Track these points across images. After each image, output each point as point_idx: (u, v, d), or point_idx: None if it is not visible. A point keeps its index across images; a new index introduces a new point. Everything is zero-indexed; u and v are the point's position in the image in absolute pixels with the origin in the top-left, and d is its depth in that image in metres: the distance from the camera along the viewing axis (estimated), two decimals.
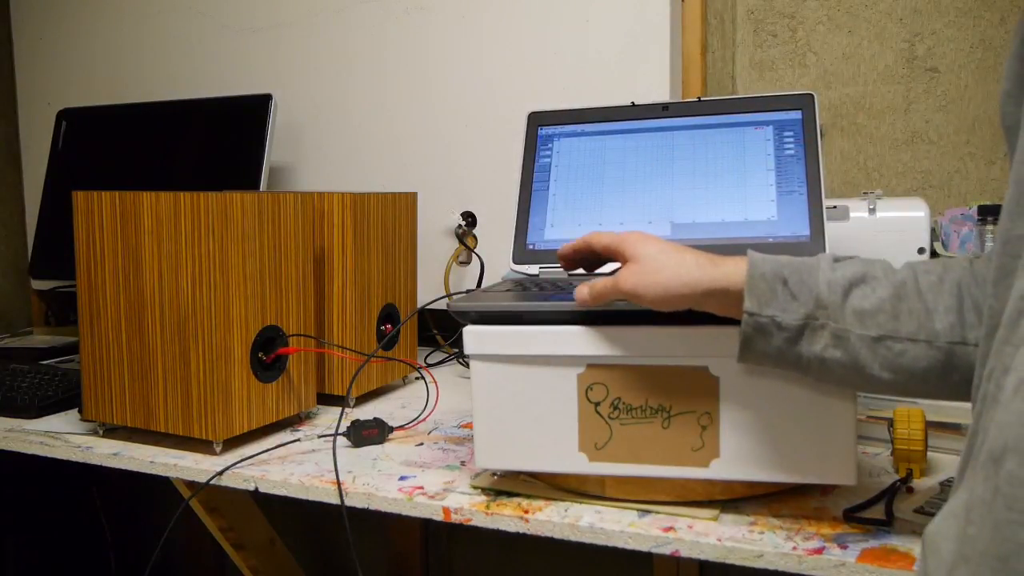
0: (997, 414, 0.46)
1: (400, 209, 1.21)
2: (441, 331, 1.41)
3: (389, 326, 1.19)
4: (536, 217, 0.98)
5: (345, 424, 0.96)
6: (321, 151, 1.54)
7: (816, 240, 0.86)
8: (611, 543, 0.72)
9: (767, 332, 0.64)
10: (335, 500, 0.83)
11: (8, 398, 1.11)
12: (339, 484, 0.83)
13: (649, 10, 1.27)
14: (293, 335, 1.01)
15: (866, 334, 0.62)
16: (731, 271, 0.66)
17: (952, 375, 0.62)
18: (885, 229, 1.05)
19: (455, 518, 0.77)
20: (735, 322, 0.70)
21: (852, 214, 1.06)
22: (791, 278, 0.64)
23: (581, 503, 0.76)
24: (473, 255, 1.41)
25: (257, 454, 0.92)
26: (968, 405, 0.84)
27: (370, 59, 1.48)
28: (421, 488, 0.82)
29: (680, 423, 0.73)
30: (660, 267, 0.67)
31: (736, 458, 0.72)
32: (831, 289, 0.63)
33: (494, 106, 1.39)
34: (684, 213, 0.92)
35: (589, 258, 0.78)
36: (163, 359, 0.94)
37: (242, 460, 0.90)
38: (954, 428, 0.86)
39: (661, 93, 1.27)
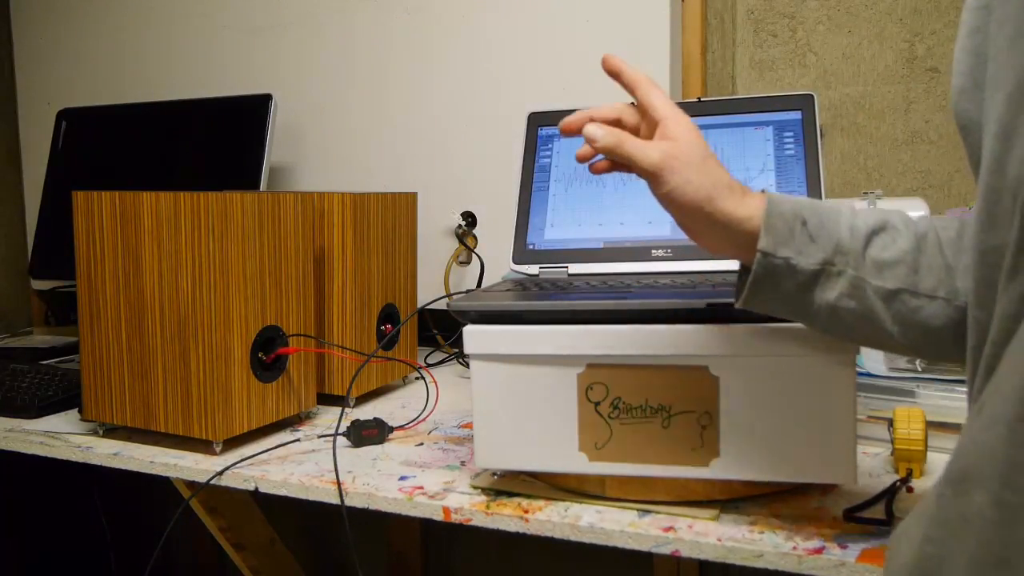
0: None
1: (400, 209, 1.21)
2: (441, 331, 1.41)
3: (389, 326, 1.19)
4: (536, 217, 0.98)
5: (345, 424, 0.96)
6: (321, 151, 1.54)
7: None
8: (611, 543, 0.72)
9: (779, 274, 0.60)
10: (335, 500, 0.83)
11: (8, 398, 1.10)
12: (339, 484, 0.83)
13: (649, 10, 1.27)
14: (293, 335, 1.01)
15: (883, 286, 0.59)
16: (752, 205, 0.60)
17: (967, 337, 0.57)
18: None
19: (455, 518, 0.77)
20: (735, 321, 0.70)
21: None
22: (811, 220, 0.60)
23: (581, 503, 0.76)
24: (473, 255, 1.41)
25: (257, 454, 0.92)
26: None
27: (370, 59, 1.48)
28: (421, 488, 0.82)
29: (680, 423, 0.73)
30: (700, 165, 0.60)
31: (736, 458, 0.72)
32: (853, 235, 0.59)
33: (494, 106, 1.39)
34: None
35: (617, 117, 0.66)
36: (163, 359, 0.94)
37: (242, 460, 0.90)
38: (954, 428, 0.85)
39: None
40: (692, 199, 0.60)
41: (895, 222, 0.61)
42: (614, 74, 0.66)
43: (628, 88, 0.66)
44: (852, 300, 0.59)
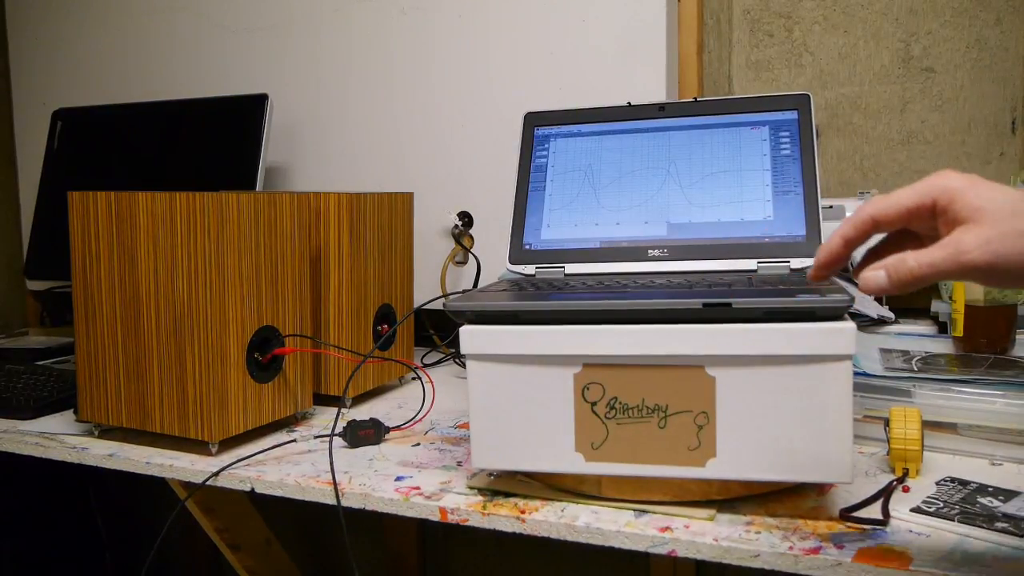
0: None
1: (396, 209, 1.21)
2: (437, 331, 1.41)
3: (385, 326, 1.19)
4: (532, 217, 0.98)
5: (341, 424, 0.96)
6: (317, 151, 1.54)
7: (812, 240, 0.86)
8: (608, 543, 0.72)
9: None
10: (331, 501, 0.83)
11: (3, 399, 1.10)
12: (335, 485, 0.83)
13: (645, 10, 1.27)
14: (289, 335, 1.01)
15: None
16: None
17: None
18: None
19: (452, 518, 0.77)
20: (731, 321, 0.70)
21: (848, 214, 1.07)
22: None
23: (578, 503, 0.76)
24: (469, 255, 1.41)
25: (253, 455, 0.92)
26: (965, 405, 0.84)
27: (367, 59, 1.48)
28: (417, 488, 0.82)
29: (677, 423, 0.73)
30: (1016, 223, 0.48)
31: (733, 458, 0.72)
32: None
33: (491, 106, 1.39)
34: (680, 213, 0.92)
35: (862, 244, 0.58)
36: (159, 360, 0.94)
37: (238, 461, 0.90)
38: (951, 428, 0.86)
39: (657, 93, 1.27)
40: None
41: None
42: (844, 247, 0.58)
43: (868, 233, 0.57)
44: None
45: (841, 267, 0.59)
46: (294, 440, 0.96)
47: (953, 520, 0.69)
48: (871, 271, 0.54)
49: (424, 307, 1.06)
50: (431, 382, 1.11)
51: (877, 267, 0.54)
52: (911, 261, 0.52)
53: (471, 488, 0.81)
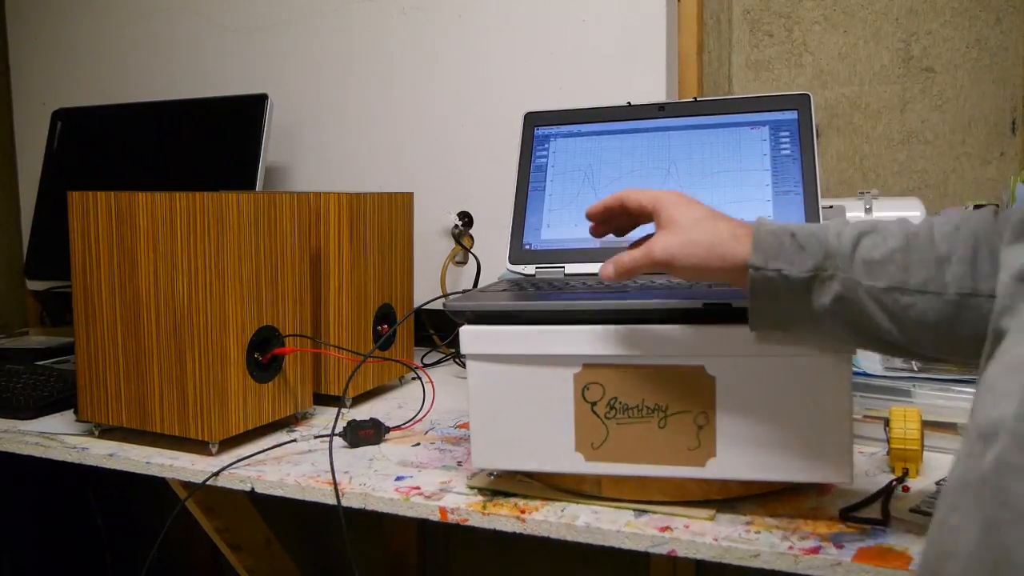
0: (997, 380, 0.43)
1: (396, 209, 1.21)
2: (437, 331, 1.41)
3: (385, 326, 1.19)
4: (532, 217, 0.98)
5: (341, 424, 0.96)
6: (317, 151, 1.54)
7: None
8: (607, 543, 0.72)
9: (775, 287, 0.62)
10: (331, 500, 0.83)
11: (4, 399, 1.10)
12: (335, 484, 0.83)
13: (645, 10, 1.27)
14: (289, 335, 1.01)
15: (874, 285, 0.60)
16: (748, 237, 0.64)
17: (962, 330, 0.59)
18: None
19: (452, 518, 0.77)
20: (731, 321, 0.70)
21: (848, 214, 1.07)
22: (800, 232, 0.63)
23: (578, 503, 0.76)
24: (469, 255, 1.41)
25: (253, 454, 0.92)
26: (965, 405, 0.84)
27: (367, 59, 1.48)
28: (418, 488, 0.82)
29: (676, 422, 0.73)
30: (699, 236, 0.65)
31: (732, 457, 0.72)
32: (840, 239, 0.62)
33: (491, 106, 1.39)
34: None
35: (620, 219, 0.75)
36: (159, 359, 0.94)
37: (238, 461, 0.90)
38: (951, 427, 0.86)
39: (657, 93, 1.27)
40: (707, 268, 0.65)
41: (887, 223, 0.63)
42: (604, 209, 0.74)
43: (619, 208, 0.73)
44: (847, 303, 0.61)
45: (600, 222, 0.76)
46: (294, 440, 0.96)
47: None
48: (606, 263, 0.70)
49: (424, 307, 1.06)
50: (431, 382, 1.11)
51: (609, 261, 0.69)
52: (625, 256, 0.68)
53: (471, 488, 0.81)
